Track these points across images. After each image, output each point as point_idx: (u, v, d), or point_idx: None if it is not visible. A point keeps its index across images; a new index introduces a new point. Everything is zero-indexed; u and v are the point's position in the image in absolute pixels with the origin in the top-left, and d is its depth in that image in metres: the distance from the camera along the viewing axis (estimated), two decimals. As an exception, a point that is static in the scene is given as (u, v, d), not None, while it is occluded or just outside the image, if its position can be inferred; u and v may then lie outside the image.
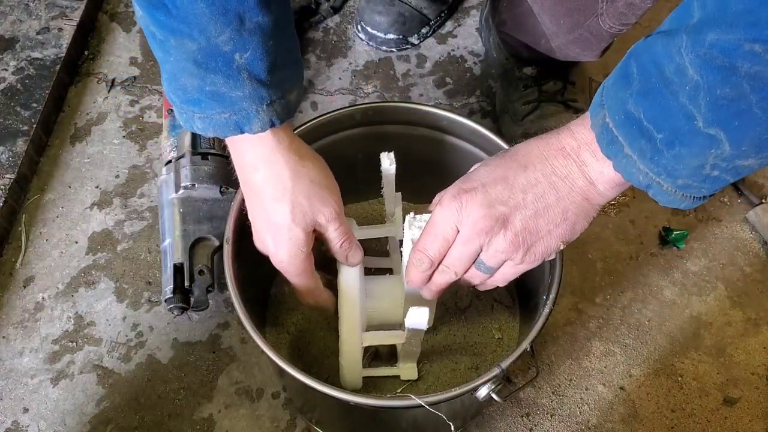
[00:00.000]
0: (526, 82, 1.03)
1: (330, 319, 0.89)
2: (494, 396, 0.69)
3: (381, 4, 1.15)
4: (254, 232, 0.72)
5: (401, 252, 0.76)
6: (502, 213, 0.60)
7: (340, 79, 1.16)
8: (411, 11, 1.15)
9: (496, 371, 0.68)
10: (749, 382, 0.91)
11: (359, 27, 1.18)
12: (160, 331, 0.93)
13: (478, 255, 0.63)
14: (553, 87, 1.02)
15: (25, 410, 0.88)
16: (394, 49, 1.18)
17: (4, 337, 0.92)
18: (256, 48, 0.60)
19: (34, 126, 1.04)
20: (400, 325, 0.80)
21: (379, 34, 1.17)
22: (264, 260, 0.73)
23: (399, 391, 0.86)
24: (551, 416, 0.88)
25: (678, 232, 1.00)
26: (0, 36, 1.14)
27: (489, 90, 1.15)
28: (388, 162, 0.77)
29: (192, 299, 0.88)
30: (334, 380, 0.85)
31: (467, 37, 1.21)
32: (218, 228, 0.90)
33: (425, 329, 0.76)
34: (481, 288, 0.69)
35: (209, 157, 0.93)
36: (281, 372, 0.69)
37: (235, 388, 0.89)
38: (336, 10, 1.23)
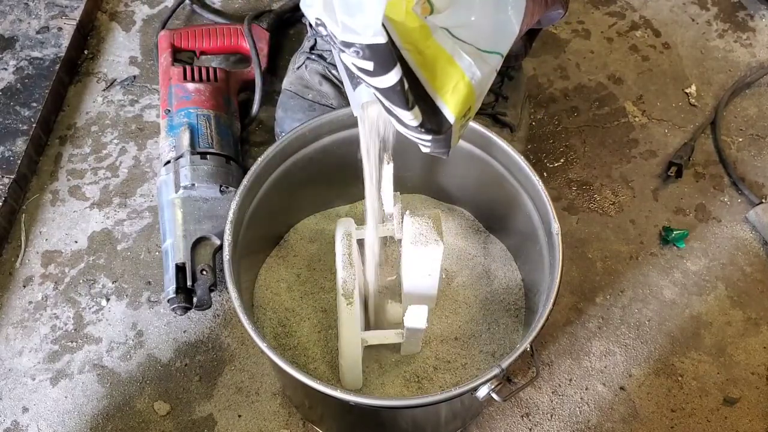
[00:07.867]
0: None
1: (330, 314, 0.89)
2: (494, 396, 0.69)
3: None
4: None
5: (400, 251, 0.76)
6: None
7: (340, 78, 1.16)
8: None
9: (496, 371, 0.68)
10: (749, 382, 0.91)
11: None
12: (160, 331, 0.92)
13: None
14: (486, 99, 1.01)
15: (25, 410, 0.88)
16: None
17: (3, 337, 0.92)
18: None
19: (34, 125, 1.04)
20: (399, 325, 0.81)
21: None
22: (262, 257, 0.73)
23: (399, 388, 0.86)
24: (551, 416, 0.88)
25: (678, 232, 1.00)
26: (-1, 35, 1.14)
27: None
28: (386, 160, 0.78)
29: (195, 299, 0.88)
30: (334, 380, 0.85)
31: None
32: (219, 227, 0.90)
33: (424, 328, 0.76)
34: None
35: (208, 156, 0.93)
36: (281, 371, 0.69)
37: (235, 388, 0.89)
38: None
